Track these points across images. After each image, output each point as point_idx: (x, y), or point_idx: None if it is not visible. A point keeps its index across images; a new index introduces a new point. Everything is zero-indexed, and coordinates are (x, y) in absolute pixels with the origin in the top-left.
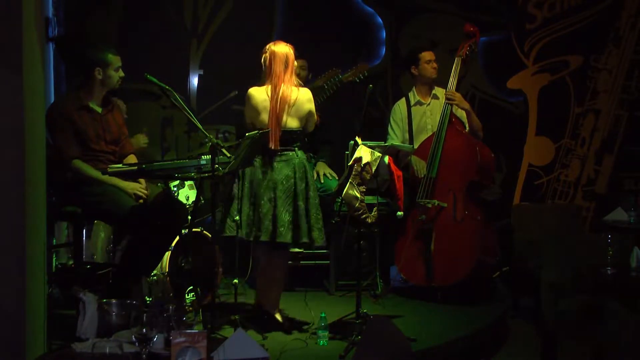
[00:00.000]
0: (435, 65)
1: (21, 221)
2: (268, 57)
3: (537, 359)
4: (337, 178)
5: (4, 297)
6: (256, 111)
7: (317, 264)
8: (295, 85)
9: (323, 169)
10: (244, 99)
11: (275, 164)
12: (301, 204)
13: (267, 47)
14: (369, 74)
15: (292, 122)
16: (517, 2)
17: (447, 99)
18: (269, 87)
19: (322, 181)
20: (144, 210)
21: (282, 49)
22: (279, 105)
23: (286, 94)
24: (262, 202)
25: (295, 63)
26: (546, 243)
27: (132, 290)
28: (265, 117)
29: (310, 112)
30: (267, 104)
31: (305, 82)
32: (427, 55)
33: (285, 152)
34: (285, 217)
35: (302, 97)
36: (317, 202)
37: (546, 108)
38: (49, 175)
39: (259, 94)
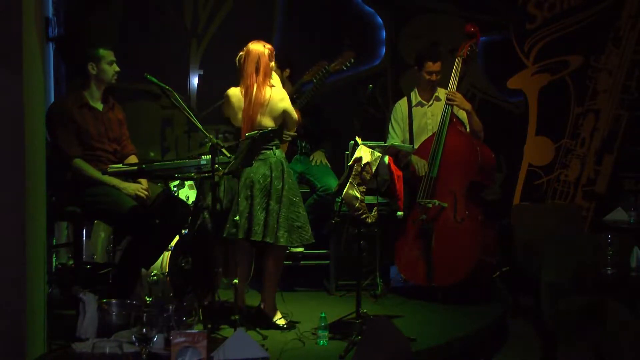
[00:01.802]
0: (434, 77)
1: (21, 221)
2: (243, 57)
3: (537, 359)
4: (329, 167)
5: (4, 297)
6: (234, 111)
7: (317, 264)
8: (269, 85)
9: (318, 156)
10: None
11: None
12: (272, 203)
13: (246, 46)
14: (369, 73)
15: (266, 122)
16: (517, 2)
17: (447, 99)
18: (242, 87)
19: (313, 163)
20: (144, 211)
21: (255, 47)
22: (251, 105)
23: (257, 94)
24: (240, 199)
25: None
26: (546, 243)
27: (132, 290)
28: (241, 116)
29: (285, 111)
30: (242, 103)
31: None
32: (431, 66)
33: (263, 151)
34: (261, 215)
35: (275, 97)
36: (292, 202)
37: (546, 108)
38: (49, 175)
39: (235, 93)
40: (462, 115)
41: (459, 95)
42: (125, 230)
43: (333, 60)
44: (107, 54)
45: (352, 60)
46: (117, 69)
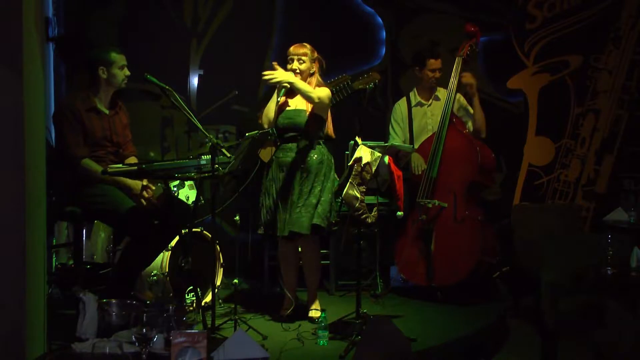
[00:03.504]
0: (438, 75)
1: (21, 221)
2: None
3: (537, 359)
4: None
5: (4, 297)
6: None
7: None
8: None
9: None
10: (243, 98)
11: None
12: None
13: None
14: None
15: None
16: (517, 2)
17: (468, 85)
18: None
19: None
20: (143, 212)
21: None
22: None
23: None
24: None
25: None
26: (546, 243)
27: (130, 290)
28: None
29: None
30: None
31: None
32: (433, 63)
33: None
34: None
35: None
36: None
37: (546, 108)
38: (49, 175)
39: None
40: (466, 106)
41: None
42: (123, 232)
43: (357, 78)
44: (118, 58)
45: (377, 82)
46: (128, 73)
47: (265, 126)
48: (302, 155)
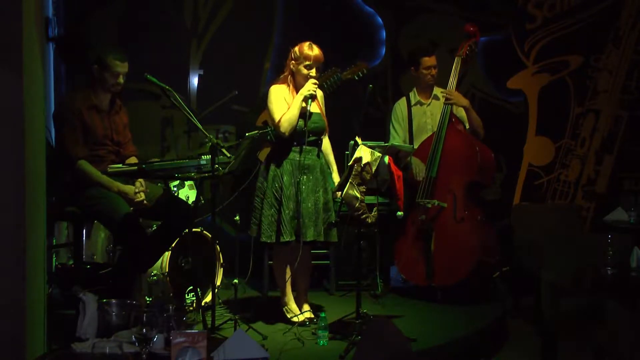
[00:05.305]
0: (434, 72)
1: (21, 221)
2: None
3: (537, 359)
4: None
5: (4, 297)
6: None
7: (317, 264)
8: None
9: None
10: (243, 98)
11: None
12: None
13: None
14: (368, 73)
15: None
16: (517, 2)
17: (445, 99)
18: None
19: None
20: (137, 224)
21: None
22: None
23: None
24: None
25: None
26: (546, 243)
27: (131, 289)
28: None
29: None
30: None
31: None
32: (427, 61)
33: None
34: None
35: None
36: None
37: (546, 108)
38: (49, 175)
39: None
40: (462, 113)
41: (454, 92)
42: (118, 238)
43: (345, 68)
44: (114, 65)
45: (365, 72)
46: (121, 81)
47: (287, 134)
48: (321, 158)
